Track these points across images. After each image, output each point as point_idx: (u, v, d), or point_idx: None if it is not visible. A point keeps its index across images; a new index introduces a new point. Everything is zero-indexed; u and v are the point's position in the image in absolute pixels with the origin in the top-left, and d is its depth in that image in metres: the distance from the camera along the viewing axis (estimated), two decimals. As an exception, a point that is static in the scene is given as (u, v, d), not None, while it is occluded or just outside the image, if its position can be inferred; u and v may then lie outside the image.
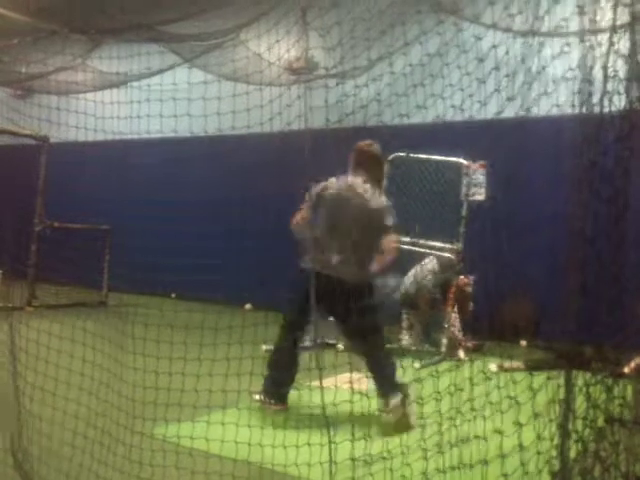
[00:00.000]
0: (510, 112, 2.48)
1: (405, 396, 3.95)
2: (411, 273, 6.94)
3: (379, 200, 4.28)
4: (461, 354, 6.34)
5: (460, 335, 6.88)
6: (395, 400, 3.96)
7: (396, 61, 3.09)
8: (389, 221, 4.23)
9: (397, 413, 3.92)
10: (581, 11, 2.28)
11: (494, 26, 2.65)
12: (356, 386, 2.83)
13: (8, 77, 9.28)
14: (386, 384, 4.06)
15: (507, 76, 2.41)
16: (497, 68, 2.49)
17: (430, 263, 6.85)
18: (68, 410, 3.28)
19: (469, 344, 6.75)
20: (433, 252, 6.80)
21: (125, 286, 8.42)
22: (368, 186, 4.25)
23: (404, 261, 6.94)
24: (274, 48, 3.92)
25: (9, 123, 4.31)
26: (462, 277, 6.80)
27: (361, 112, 2.96)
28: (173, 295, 9.51)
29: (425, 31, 3.09)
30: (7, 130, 7.71)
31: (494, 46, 2.53)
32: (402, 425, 3.79)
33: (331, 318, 4.31)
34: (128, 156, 10.66)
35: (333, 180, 4.34)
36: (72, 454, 3.06)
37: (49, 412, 3.28)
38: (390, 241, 4.22)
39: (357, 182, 4.27)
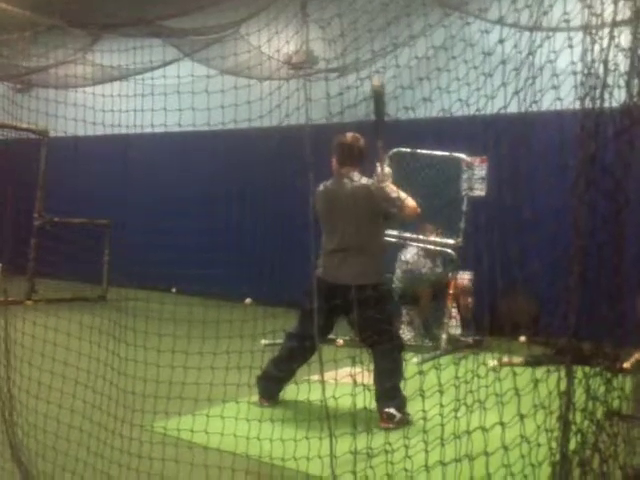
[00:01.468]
0: (514, 107, 2.48)
1: (403, 413, 3.92)
2: (405, 257, 6.96)
3: (365, 183, 4.14)
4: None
5: (458, 331, 6.91)
6: (390, 410, 3.93)
7: (401, 54, 3.08)
8: (386, 195, 4.10)
9: (389, 422, 3.87)
10: (584, 5, 2.27)
11: (500, 20, 2.65)
12: (357, 379, 2.83)
13: (8, 71, 9.27)
14: (386, 393, 3.98)
15: (515, 69, 2.41)
16: (504, 62, 2.49)
17: (414, 250, 6.92)
18: (66, 404, 3.29)
19: (469, 340, 6.77)
20: (434, 247, 6.82)
21: (125, 281, 8.43)
22: (355, 175, 4.16)
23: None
24: (274, 41, 3.91)
25: (9, 117, 4.30)
26: (461, 273, 6.82)
27: (363, 105, 2.96)
28: (174, 290, 9.52)
29: (431, 24, 3.08)
30: (7, 124, 7.70)
31: (501, 40, 2.52)
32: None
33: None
34: (128, 150, 10.66)
35: (323, 184, 4.30)
36: (70, 447, 3.07)
37: (46, 406, 3.29)
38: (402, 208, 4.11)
39: (343, 176, 4.19)
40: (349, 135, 4.23)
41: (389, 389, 3.98)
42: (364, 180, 4.18)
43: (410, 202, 4.16)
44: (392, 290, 6.54)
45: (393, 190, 4.14)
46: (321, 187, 4.28)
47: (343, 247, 4.13)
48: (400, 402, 3.93)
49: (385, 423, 3.87)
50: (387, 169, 4.18)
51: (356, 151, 4.21)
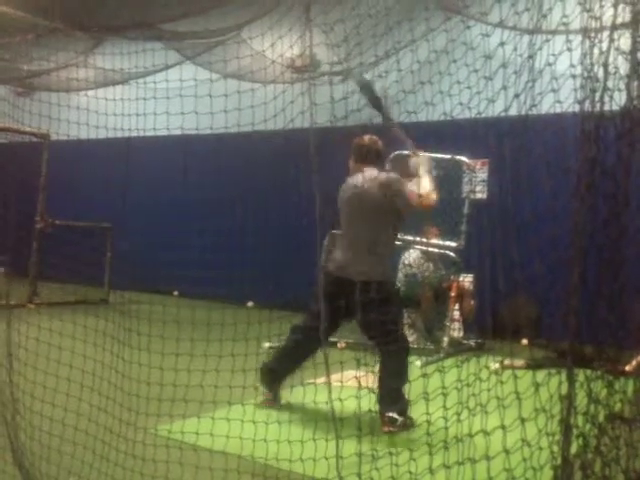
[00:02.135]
0: (514, 110, 2.49)
1: (405, 418, 3.92)
2: (407, 261, 6.98)
3: (379, 177, 4.16)
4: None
5: (460, 334, 6.92)
6: (392, 415, 3.93)
7: (403, 58, 3.10)
8: (395, 187, 4.07)
9: (391, 426, 3.88)
10: (583, 8, 2.29)
11: (501, 24, 2.66)
12: (362, 382, 2.85)
13: (10, 75, 9.29)
14: (389, 396, 3.98)
15: (515, 72, 2.42)
16: (504, 65, 2.50)
17: (416, 253, 6.94)
18: (70, 407, 3.29)
19: (471, 342, 6.78)
20: (435, 250, 6.84)
21: (127, 284, 8.44)
22: (370, 172, 4.21)
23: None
24: (277, 46, 3.92)
25: (11, 120, 4.32)
26: (463, 275, 6.83)
27: (367, 109, 2.98)
28: (175, 293, 9.54)
29: (433, 28, 3.10)
30: (9, 128, 7.73)
31: (501, 43, 2.54)
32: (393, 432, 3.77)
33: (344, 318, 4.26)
34: (130, 153, 10.68)
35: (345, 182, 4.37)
36: (75, 450, 3.08)
37: (50, 409, 3.29)
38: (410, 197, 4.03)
39: (360, 174, 4.24)
40: (367, 137, 4.35)
41: (392, 392, 3.98)
42: (382, 175, 4.20)
43: (415, 189, 4.04)
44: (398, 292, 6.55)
45: (400, 181, 4.13)
46: (343, 185, 4.36)
47: (353, 242, 4.18)
48: (402, 406, 3.93)
49: (387, 427, 3.87)
50: (422, 154, 4.14)
51: (373, 152, 4.33)
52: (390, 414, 3.93)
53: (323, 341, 3.31)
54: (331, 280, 4.01)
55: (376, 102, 3.98)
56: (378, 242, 4.13)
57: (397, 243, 6.51)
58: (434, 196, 4.04)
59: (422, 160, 4.17)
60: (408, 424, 3.88)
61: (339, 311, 3.98)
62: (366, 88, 3.93)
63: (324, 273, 4.19)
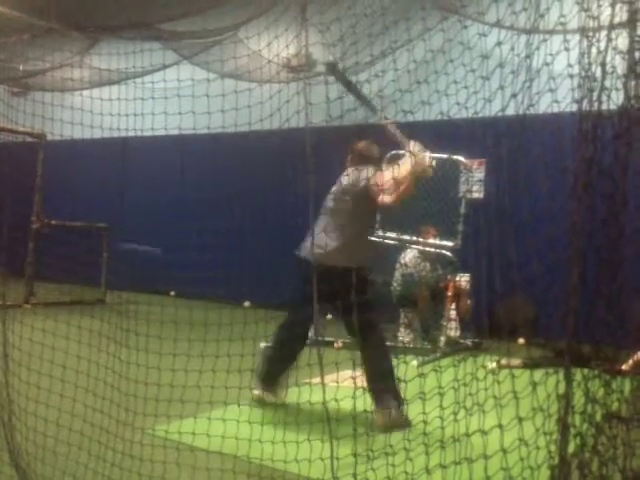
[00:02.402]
0: (511, 110, 2.48)
1: (400, 411, 3.88)
2: (403, 260, 6.97)
3: (354, 174, 4.21)
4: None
5: (457, 333, 6.92)
6: (385, 404, 3.90)
7: (399, 57, 3.11)
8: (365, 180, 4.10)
9: (385, 418, 3.85)
10: (580, 7, 2.29)
11: (498, 23, 2.66)
12: (358, 382, 2.84)
13: (5, 74, 9.28)
14: (379, 385, 3.95)
15: (512, 72, 2.42)
16: (501, 65, 2.51)
17: (412, 252, 6.94)
18: (66, 408, 3.28)
19: (468, 342, 6.78)
20: (432, 250, 6.84)
21: (124, 284, 8.43)
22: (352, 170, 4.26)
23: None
24: (273, 45, 3.92)
25: (6, 120, 4.31)
26: (460, 274, 6.84)
27: (362, 108, 2.98)
28: (172, 293, 9.52)
29: (429, 27, 3.11)
30: (4, 128, 7.71)
31: (498, 43, 2.54)
32: (389, 428, 3.70)
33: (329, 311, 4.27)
34: (127, 153, 10.67)
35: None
36: (70, 451, 3.07)
37: (45, 409, 3.28)
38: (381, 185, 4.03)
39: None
40: (363, 143, 4.45)
41: (381, 385, 3.96)
42: (356, 171, 4.23)
43: (380, 177, 4.06)
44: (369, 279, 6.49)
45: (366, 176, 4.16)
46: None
47: (332, 231, 4.22)
48: (395, 396, 3.91)
49: (382, 419, 3.85)
50: (413, 144, 4.13)
51: (367, 156, 4.41)
52: (384, 408, 3.90)
53: (315, 317, 3.27)
54: (306, 265, 3.99)
55: (351, 87, 3.96)
56: (336, 223, 4.20)
57: (393, 242, 6.55)
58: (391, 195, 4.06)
59: (410, 158, 4.13)
60: (404, 421, 3.86)
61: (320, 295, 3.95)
62: (331, 68, 3.94)
63: (299, 259, 4.21)
